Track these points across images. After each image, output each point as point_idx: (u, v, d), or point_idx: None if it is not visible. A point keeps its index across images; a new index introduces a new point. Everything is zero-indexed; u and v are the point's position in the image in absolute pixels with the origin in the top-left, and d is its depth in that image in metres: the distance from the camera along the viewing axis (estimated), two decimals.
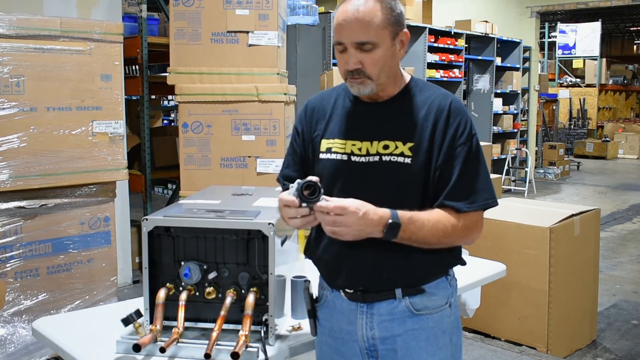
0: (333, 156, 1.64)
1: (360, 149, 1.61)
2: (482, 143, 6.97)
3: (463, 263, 1.72)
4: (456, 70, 8.68)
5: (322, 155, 1.66)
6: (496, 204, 1.60)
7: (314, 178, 1.45)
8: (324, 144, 1.66)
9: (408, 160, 1.56)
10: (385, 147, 1.59)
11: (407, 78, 1.67)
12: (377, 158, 1.59)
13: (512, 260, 3.43)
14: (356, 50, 1.52)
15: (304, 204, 1.45)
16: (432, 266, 1.62)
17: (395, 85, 1.64)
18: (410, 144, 1.57)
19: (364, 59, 1.53)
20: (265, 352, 1.67)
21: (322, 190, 1.44)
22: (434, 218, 1.53)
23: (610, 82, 18.94)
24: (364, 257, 1.59)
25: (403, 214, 1.49)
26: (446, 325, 1.65)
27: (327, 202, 1.44)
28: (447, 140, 1.56)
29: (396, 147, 1.58)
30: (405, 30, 1.59)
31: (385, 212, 1.48)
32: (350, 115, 1.66)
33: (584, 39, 16.86)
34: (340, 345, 1.69)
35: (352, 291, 1.64)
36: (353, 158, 1.61)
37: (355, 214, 1.43)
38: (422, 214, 1.52)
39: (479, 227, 1.60)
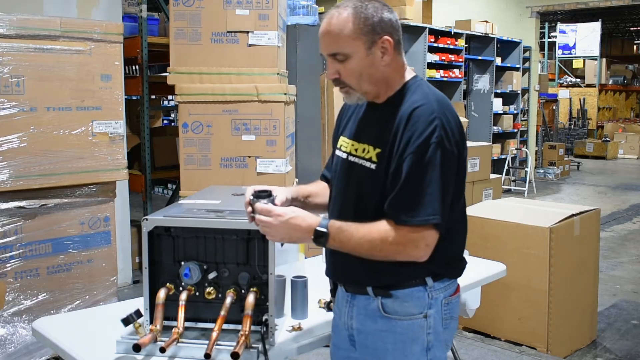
0: (339, 154, 1.74)
1: (357, 150, 1.68)
2: (481, 143, 6.90)
3: (455, 275, 1.72)
4: (456, 70, 8.68)
5: (336, 152, 1.77)
6: (438, 221, 1.49)
7: (271, 189, 1.63)
8: (340, 141, 1.76)
9: (373, 166, 1.60)
10: (364, 150, 1.64)
11: (405, 80, 1.65)
12: (357, 159, 1.66)
13: (512, 260, 3.43)
14: (333, 61, 1.59)
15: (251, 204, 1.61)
16: (400, 273, 1.60)
17: (390, 89, 1.64)
18: (378, 150, 1.59)
19: (340, 70, 1.59)
20: (265, 352, 1.68)
21: (269, 198, 1.60)
22: (365, 230, 1.53)
23: (610, 82, 18.92)
24: (340, 254, 1.62)
25: (333, 223, 1.55)
26: (418, 334, 1.62)
27: (264, 204, 1.57)
28: (400, 148, 1.53)
29: (368, 152, 1.62)
30: (386, 37, 1.56)
31: (315, 220, 1.54)
32: (358, 116, 1.74)
33: (584, 39, 16.84)
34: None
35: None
36: (350, 157, 1.69)
37: (278, 217, 1.54)
38: (354, 225, 1.54)
39: (418, 246, 1.51)
